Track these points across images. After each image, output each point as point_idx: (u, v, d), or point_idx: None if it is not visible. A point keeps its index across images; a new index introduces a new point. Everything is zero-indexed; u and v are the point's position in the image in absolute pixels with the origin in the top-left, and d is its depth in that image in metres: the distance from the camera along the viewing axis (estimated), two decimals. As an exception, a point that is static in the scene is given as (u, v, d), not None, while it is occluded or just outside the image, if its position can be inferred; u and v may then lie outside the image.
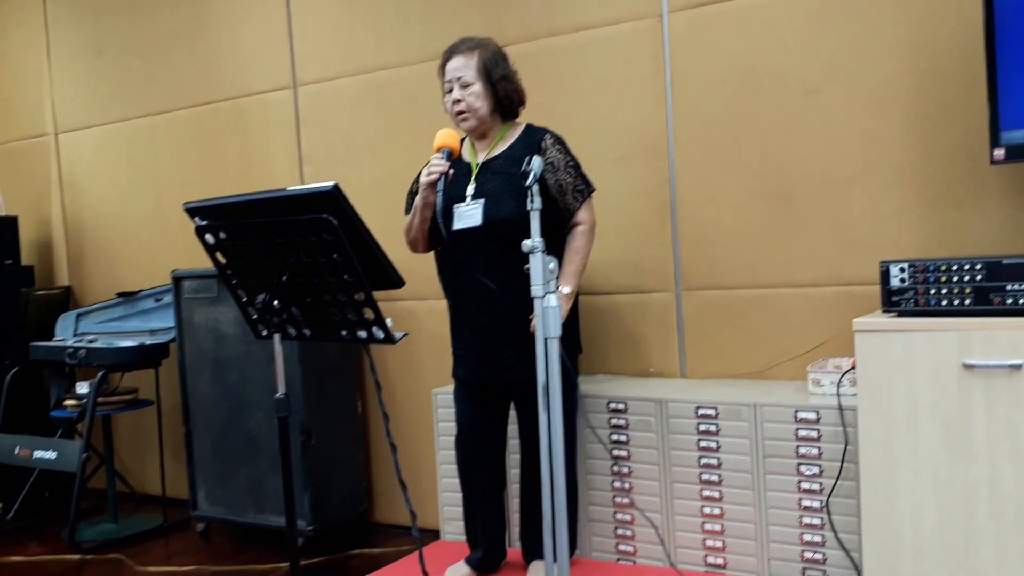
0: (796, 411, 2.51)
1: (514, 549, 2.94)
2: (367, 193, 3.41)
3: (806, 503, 2.50)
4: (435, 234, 2.60)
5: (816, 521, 2.49)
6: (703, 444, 2.66)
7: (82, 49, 4.46)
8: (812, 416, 2.49)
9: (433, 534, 3.32)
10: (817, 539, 2.49)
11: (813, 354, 2.76)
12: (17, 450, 3.92)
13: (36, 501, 4.29)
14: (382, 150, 3.59)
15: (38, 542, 3.86)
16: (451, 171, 2.42)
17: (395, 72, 3.53)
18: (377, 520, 3.73)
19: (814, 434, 2.49)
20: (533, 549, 2.73)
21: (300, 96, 3.78)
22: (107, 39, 4.36)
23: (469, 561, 2.80)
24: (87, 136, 4.50)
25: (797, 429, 2.51)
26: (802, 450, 2.50)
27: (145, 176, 4.31)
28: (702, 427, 2.66)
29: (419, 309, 3.44)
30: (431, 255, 2.74)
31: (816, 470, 2.49)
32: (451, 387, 2.86)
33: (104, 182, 4.47)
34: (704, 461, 2.66)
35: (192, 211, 2.01)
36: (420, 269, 3.04)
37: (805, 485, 2.51)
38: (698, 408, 2.67)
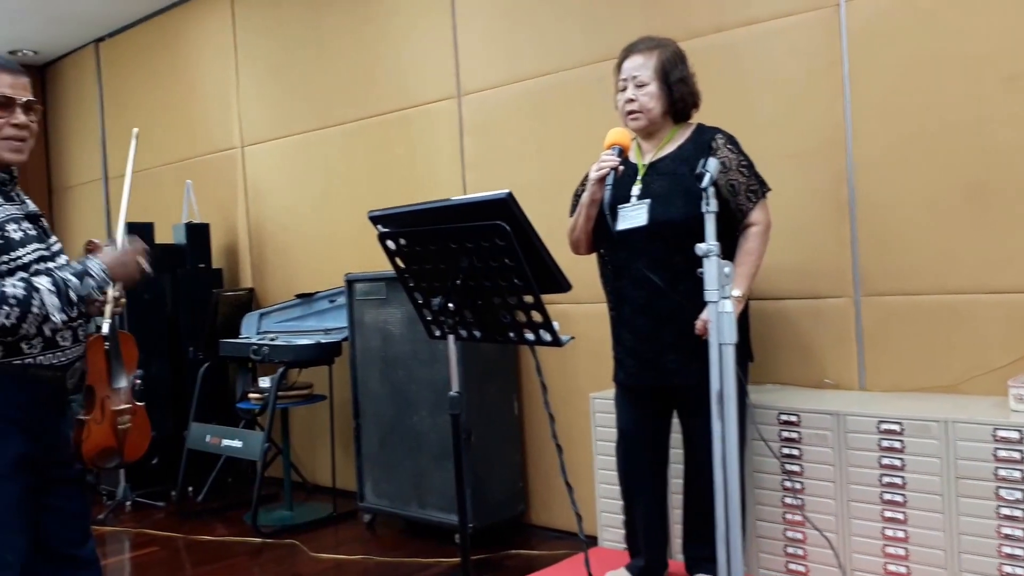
0: (995, 429, 2.30)
1: (675, 561, 2.87)
2: (527, 199, 3.42)
3: (1006, 531, 2.29)
4: (598, 235, 2.59)
5: (1019, 552, 2.27)
6: (885, 461, 2.49)
7: (266, 68, 4.79)
8: (1014, 436, 2.27)
9: (590, 540, 3.30)
10: (1019, 572, 2.27)
11: (1013, 367, 2.53)
12: (208, 438, 4.26)
13: (221, 486, 4.63)
14: (542, 156, 3.62)
15: (223, 524, 4.17)
16: (621, 168, 2.40)
17: (556, 77, 3.55)
18: (532, 522, 3.76)
19: (1016, 455, 2.27)
20: (697, 562, 2.66)
21: (463, 105, 3.88)
22: (287, 59, 4.66)
23: (630, 569, 2.76)
24: (269, 149, 4.83)
25: (996, 449, 2.30)
26: (1002, 472, 2.29)
27: (320, 185, 4.56)
28: (884, 443, 2.49)
29: (576, 312, 3.43)
30: (589, 259, 2.73)
31: (1019, 495, 2.27)
32: (609, 391, 2.84)
33: (283, 191, 4.77)
34: (886, 480, 2.49)
35: (375, 219, 2.11)
36: (578, 272, 3.03)
37: (1005, 511, 2.29)
38: (880, 423, 2.50)
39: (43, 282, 1.95)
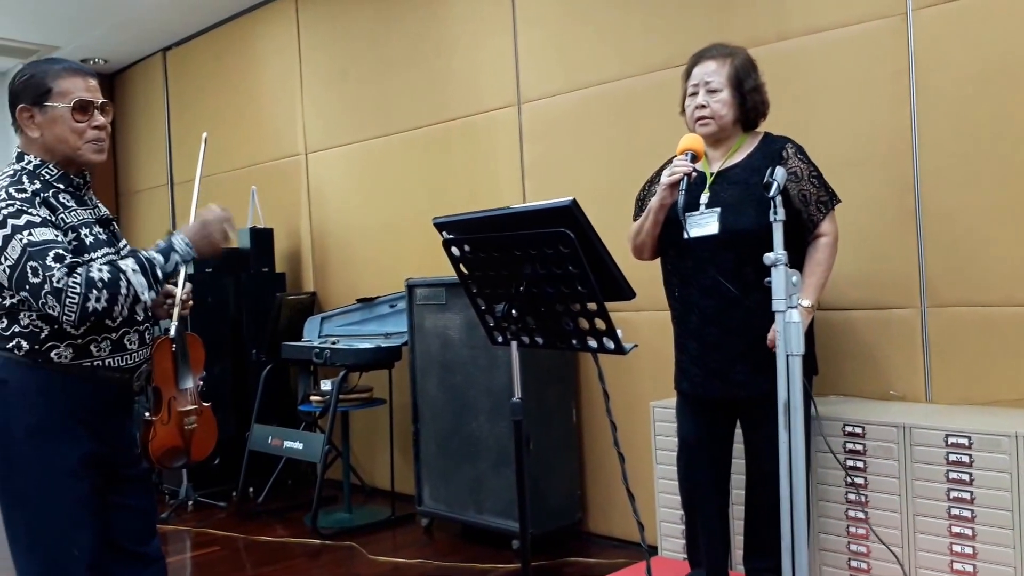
0: (1070, 445, 2.24)
1: (736, 572, 2.85)
2: (585, 205, 3.44)
3: (1082, 550, 2.23)
4: (664, 241, 2.59)
5: (1094, 571, 2.21)
6: (953, 476, 2.44)
7: (330, 76, 4.89)
8: (1091, 452, 2.21)
9: (651, 549, 3.29)
10: (1095, 592, 2.21)
11: (1090, 382, 2.46)
12: (270, 439, 4.35)
13: (281, 487, 4.73)
14: (601, 163, 3.63)
15: (283, 525, 4.25)
16: (694, 174, 2.39)
17: (616, 85, 3.56)
18: (590, 530, 3.76)
19: (1093, 473, 2.21)
20: (759, 573, 2.63)
21: (524, 113, 3.91)
22: (351, 66, 4.75)
23: (690, 579, 2.75)
24: (332, 155, 4.93)
25: (1071, 466, 2.24)
26: (1077, 490, 2.23)
27: (381, 191, 4.64)
28: (952, 457, 2.44)
29: (636, 320, 3.43)
30: (649, 266, 2.72)
31: (1095, 514, 2.21)
32: (669, 400, 2.83)
33: (345, 197, 4.87)
34: (954, 495, 2.44)
35: (440, 225, 2.14)
36: (638, 279, 3.03)
37: (1081, 530, 2.23)
38: (948, 436, 2.45)
39: (128, 263, 1.99)
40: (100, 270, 1.94)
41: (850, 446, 2.64)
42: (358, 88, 4.72)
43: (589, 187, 3.60)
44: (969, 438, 2.41)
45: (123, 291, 1.95)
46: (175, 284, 2.26)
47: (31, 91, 2.04)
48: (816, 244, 2.48)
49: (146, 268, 2.00)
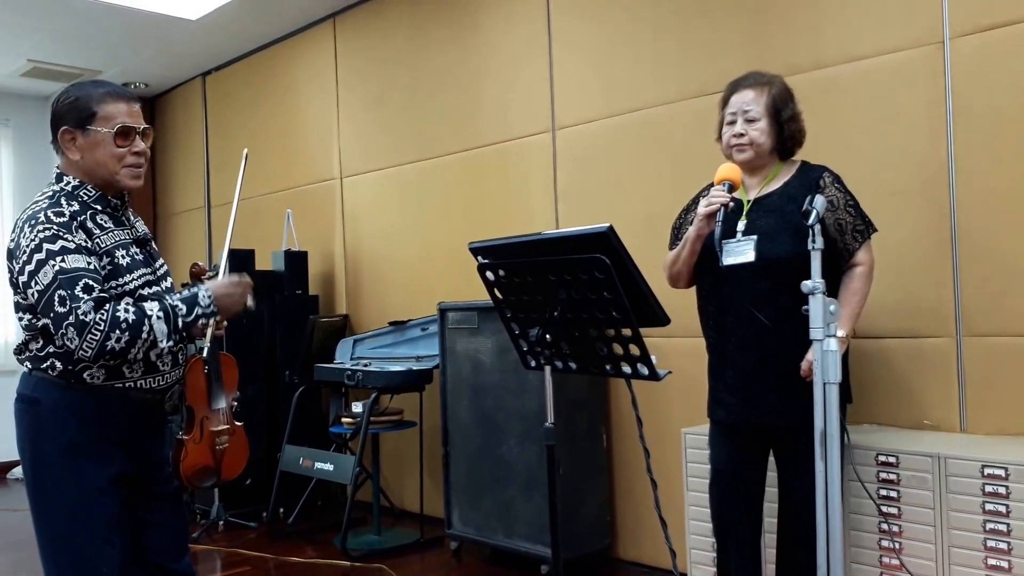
0: (1111, 479, 2.21)
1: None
2: (619, 231, 3.48)
3: (1124, 586, 2.18)
4: (700, 269, 2.60)
5: None
6: (989, 507, 2.41)
7: (366, 101, 4.98)
8: None
9: (680, 576, 3.27)
10: None
11: None
12: (301, 460, 4.38)
13: (311, 508, 4.75)
14: (634, 189, 3.65)
15: (313, 546, 4.27)
16: (731, 204, 2.41)
17: (651, 112, 3.60)
18: (619, 556, 3.74)
19: None
20: (791, 603, 2.61)
21: (558, 139, 3.96)
22: (387, 92, 4.84)
23: (721, 607, 2.73)
24: (366, 180, 5.01)
25: (1112, 500, 2.20)
26: (1119, 524, 2.19)
27: (414, 216, 4.70)
28: (988, 488, 2.41)
29: (667, 346, 3.43)
30: (682, 292, 2.73)
31: None
32: (701, 427, 2.82)
33: (379, 221, 4.93)
34: (990, 527, 2.41)
35: (476, 250, 2.17)
36: (671, 306, 3.03)
37: (1123, 565, 2.19)
38: (984, 467, 2.42)
39: (153, 308, 2.00)
40: (127, 310, 1.96)
41: (884, 476, 2.62)
42: (393, 113, 4.80)
43: (623, 213, 3.62)
44: (1006, 469, 2.38)
45: (143, 335, 1.97)
46: None
47: (75, 114, 2.06)
48: (852, 273, 2.47)
49: (169, 316, 2.01)
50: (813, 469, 2.13)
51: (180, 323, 2.04)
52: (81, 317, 1.91)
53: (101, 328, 1.91)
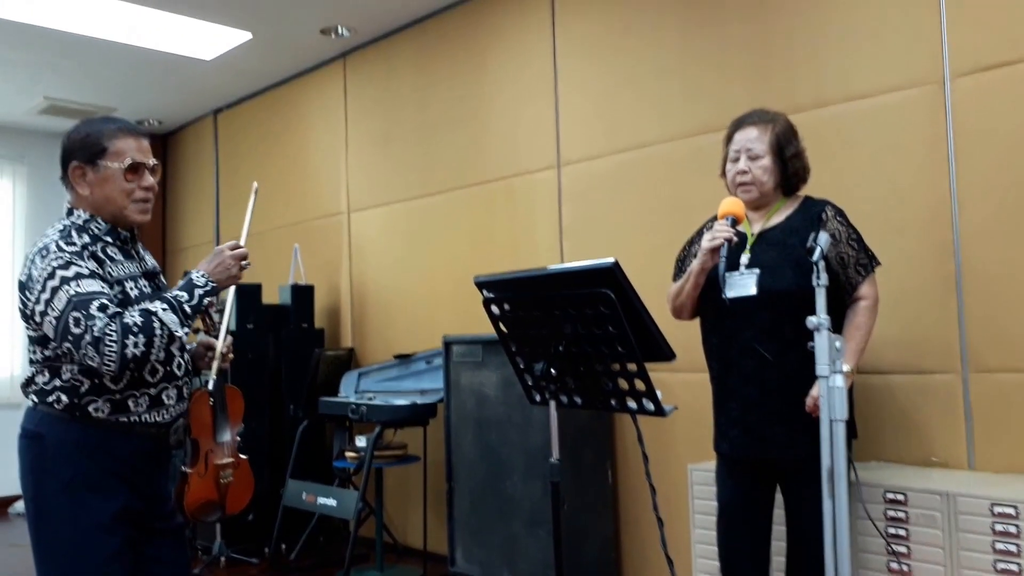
0: (1122, 518, 2.18)
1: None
2: (624, 265, 3.50)
3: None
4: (704, 302, 2.60)
5: None
6: (1000, 547, 2.38)
7: (374, 138, 5.04)
8: None
9: (686, 615, 3.23)
10: None
11: None
12: (304, 495, 4.35)
13: (313, 544, 4.71)
14: (638, 225, 3.68)
15: (315, 582, 4.24)
16: (735, 239, 2.42)
17: (655, 149, 3.63)
18: (626, 594, 3.70)
19: None
20: (799, 643, 2.57)
21: (563, 175, 3.99)
22: (395, 129, 4.90)
23: (728, 647, 2.68)
24: (373, 215, 5.04)
25: (1124, 539, 2.18)
26: None
27: (420, 250, 4.73)
28: (999, 527, 2.38)
29: (672, 381, 3.42)
30: (687, 327, 2.73)
31: None
32: (707, 463, 2.80)
33: (385, 255, 4.96)
34: (1001, 566, 2.37)
35: (481, 284, 2.18)
36: (676, 340, 3.04)
37: None
38: (993, 506, 2.40)
39: (156, 304, 2.01)
40: (132, 315, 1.97)
41: (891, 513, 2.59)
42: (401, 150, 4.85)
43: (627, 248, 3.64)
44: (1016, 507, 2.36)
45: (157, 331, 1.97)
46: (216, 336, 2.29)
47: (86, 149, 2.08)
48: (856, 308, 2.47)
49: (174, 305, 2.03)
50: (820, 506, 2.12)
51: (187, 308, 2.05)
52: (96, 334, 1.91)
53: (114, 338, 1.92)
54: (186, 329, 2.05)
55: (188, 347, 2.25)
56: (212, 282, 2.12)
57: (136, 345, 1.94)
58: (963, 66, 2.78)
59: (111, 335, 1.91)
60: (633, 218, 3.70)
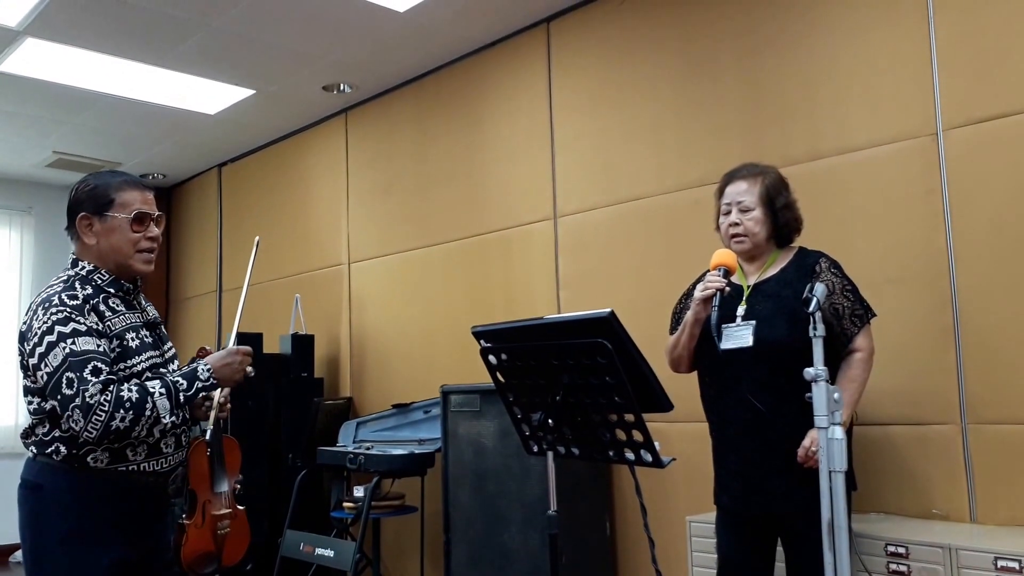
0: (1126, 572, 2.16)
1: None
2: (621, 316, 3.51)
3: None
4: (700, 354, 2.61)
5: None
6: (1004, 601, 2.35)
7: (374, 191, 5.11)
8: None
9: (688, 672, 3.16)
10: None
11: None
12: (302, 546, 4.31)
13: (310, 596, 4.64)
14: (634, 276, 3.70)
15: (311, 636, 4.15)
16: (727, 289, 2.44)
17: (652, 201, 3.67)
18: (626, 651, 3.63)
19: None
20: None
21: (559, 226, 4.03)
22: (395, 181, 4.97)
23: None
24: (373, 266, 5.08)
25: None
26: None
27: (419, 300, 4.75)
28: (1002, 581, 2.36)
29: (671, 431, 3.41)
30: (686, 377, 2.74)
31: None
32: (706, 515, 2.78)
33: (385, 305, 4.98)
34: (1006, 622, 2.34)
35: (478, 334, 2.19)
36: (674, 390, 3.03)
37: None
38: (997, 559, 2.37)
39: (155, 386, 2.03)
40: (130, 390, 1.99)
41: (893, 567, 2.56)
42: (401, 202, 4.91)
43: (624, 299, 3.66)
44: (1020, 561, 2.33)
45: (147, 412, 1.99)
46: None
47: (94, 200, 2.13)
48: (850, 360, 2.47)
49: (171, 392, 2.05)
50: (821, 559, 2.09)
51: (181, 397, 2.06)
52: (88, 400, 1.93)
53: (106, 409, 1.94)
54: (174, 418, 2.06)
55: None
56: (215, 379, 2.15)
57: (123, 420, 1.96)
58: (956, 118, 2.83)
59: (104, 406, 1.94)
60: (630, 269, 3.73)
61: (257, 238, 2.79)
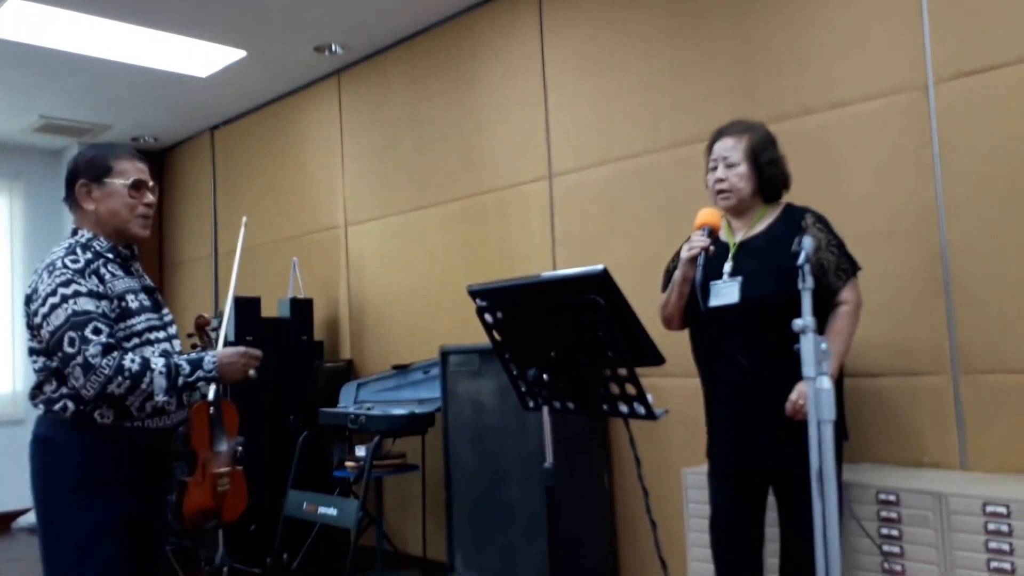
0: (1109, 514, 2.21)
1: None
2: (615, 274, 3.53)
3: None
4: (690, 311, 2.64)
5: None
6: (992, 546, 2.41)
7: (370, 152, 5.09)
8: None
9: (684, 619, 3.25)
10: None
11: None
12: (305, 505, 4.38)
13: (314, 554, 4.72)
14: (630, 234, 3.72)
15: (317, 592, 4.25)
16: (712, 248, 2.46)
17: (644, 159, 3.68)
18: (624, 599, 3.72)
19: None
20: (794, 645, 2.59)
21: (555, 186, 4.04)
22: (390, 143, 4.95)
23: (724, 650, 2.71)
24: (370, 227, 5.09)
25: (1111, 535, 2.21)
26: (1119, 560, 2.19)
27: (417, 262, 4.77)
28: (991, 526, 2.41)
29: (667, 386, 3.45)
30: (682, 333, 2.77)
31: None
32: (701, 467, 2.84)
33: (382, 267, 5.00)
34: (995, 565, 2.40)
35: (474, 293, 2.22)
36: (671, 346, 3.08)
37: (1125, 601, 2.18)
38: (986, 505, 2.43)
39: (158, 363, 2.12)
40: (132, 360, 2.09)
41: (884, 514, 2.62)
42: (396, 164, 4.90)
43: (619, 257, 3.68)
44: (1008, 506, 2.38)
45: (143, 386, 2.09)
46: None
47: (93, 168, 2.24)
48: (836, 312, 2.49)
49: (171, 374, 2.14)
50: (811, 509, 2.14)
51: (180, 382, 2.16)
52: (88, 359, 2.03)
53: (106, 372, 2.04)
54: (167, 398, 2.13)
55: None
56: (217, 373, 2.23)
57: (119, 386, 2.06)
58: (946, 71, 2.82)
59: (104, 368, 2.04)
60: (624, 227, 3.74)
61: (244, 218, 2.82)
